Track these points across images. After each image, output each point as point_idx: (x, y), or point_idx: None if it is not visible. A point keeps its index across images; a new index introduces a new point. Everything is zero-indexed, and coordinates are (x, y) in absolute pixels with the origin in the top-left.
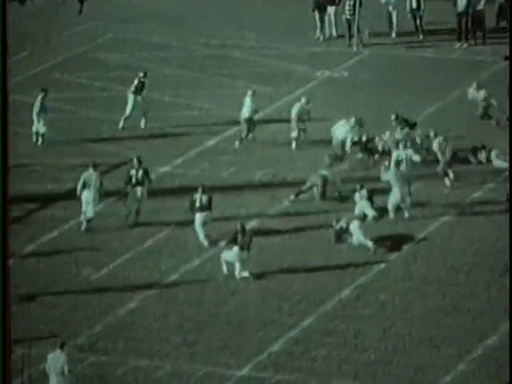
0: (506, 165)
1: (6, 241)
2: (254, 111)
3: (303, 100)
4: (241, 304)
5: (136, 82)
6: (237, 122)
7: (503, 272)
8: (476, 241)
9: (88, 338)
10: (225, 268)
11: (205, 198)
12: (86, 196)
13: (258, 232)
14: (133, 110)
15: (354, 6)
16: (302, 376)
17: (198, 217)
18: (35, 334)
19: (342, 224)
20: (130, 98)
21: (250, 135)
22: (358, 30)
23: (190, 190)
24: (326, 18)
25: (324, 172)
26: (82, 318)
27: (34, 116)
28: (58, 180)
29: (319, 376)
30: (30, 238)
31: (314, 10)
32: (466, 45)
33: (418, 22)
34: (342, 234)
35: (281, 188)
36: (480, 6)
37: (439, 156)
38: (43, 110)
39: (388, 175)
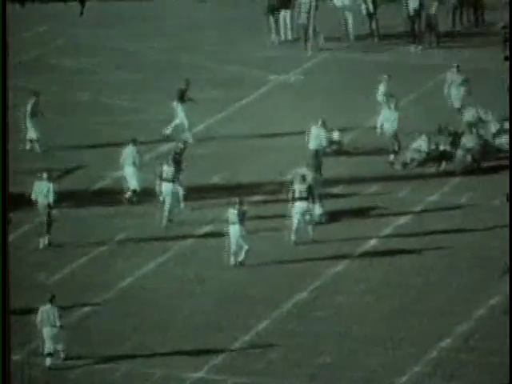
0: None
1: (5, 242)
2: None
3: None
4: (197, 307)
5: (178, 90)
6: (194, 125)
7: (503, 272)
8: (432, 243)
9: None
10: (233, 256)
11: (170, 170)
12: (127, 171)
13: (213, 235)
14: (181, 118)
15: (310, 9)
16: (258, 378)
17: (164, 187)
18: None
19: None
20: (175, 106)
21: None
22: (314, 34)
23: (145, 195)
24: (282, 22)
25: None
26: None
27: (27, 122)
28: (15, 184)
29: (275, 378)
30: None
31: (267, 14)
32: (420, 48)
33: (373, 25)
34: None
35: (237, 191)
36: (432, 10)
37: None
38: (34, 114)
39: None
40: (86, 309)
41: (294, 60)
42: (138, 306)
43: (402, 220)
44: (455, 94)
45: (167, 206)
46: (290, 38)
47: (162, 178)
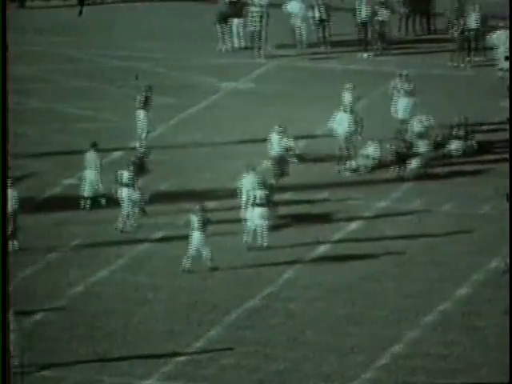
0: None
1: (5, 246)
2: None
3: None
4: (149, 314)
5: (139, 96)
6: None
7: (503, 272)
8: (384, 248)
9: None
10: (187, 261)
11: (126, 175)
12: (89, 176)
13: (166, 241)
14: (147, 125)
15: (261, 17)
16: None
17: (120, 192)
18: None
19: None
20: (140, 114)
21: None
22: (264, 42)
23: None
24: (234, 30)
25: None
26: None
27: None
28: None
29: None
30: None
31: (218, 22)
32: (371, 55)
33: (323, 33)
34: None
35: (187, 199)
36: (381, 17)
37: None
38: None
39: None
40: (38, 316)
41: (245, 67)
42: (89, 312)
43: (354, 225)
44: (401, 103)
45: (124, 211)
46: (242, 45)
47: (120, 183)
